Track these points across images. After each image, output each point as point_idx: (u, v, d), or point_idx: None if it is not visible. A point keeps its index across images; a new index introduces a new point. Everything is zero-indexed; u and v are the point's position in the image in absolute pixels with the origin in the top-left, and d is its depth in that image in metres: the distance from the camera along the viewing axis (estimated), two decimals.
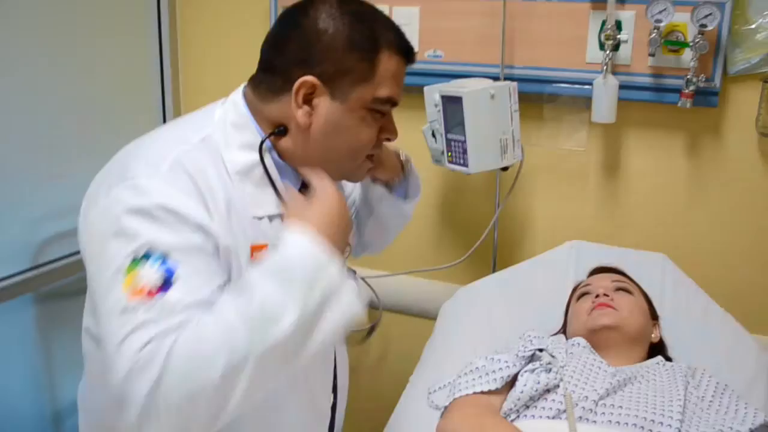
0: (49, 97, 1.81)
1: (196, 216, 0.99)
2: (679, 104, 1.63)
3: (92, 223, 1.04)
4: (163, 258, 0.95)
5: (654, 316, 1.54)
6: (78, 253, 1.86)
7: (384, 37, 1.09)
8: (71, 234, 1.90)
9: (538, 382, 1.28)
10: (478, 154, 1.61)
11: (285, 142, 1.11)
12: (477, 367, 1.35)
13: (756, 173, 1.69)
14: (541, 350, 1.35)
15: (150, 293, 0.93)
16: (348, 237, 1.09)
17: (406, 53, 1.12)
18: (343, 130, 1.09)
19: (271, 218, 1.11)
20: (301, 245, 0.97)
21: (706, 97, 1.65)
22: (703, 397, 1.30)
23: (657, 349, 1.49)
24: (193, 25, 2.19)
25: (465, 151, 1.62)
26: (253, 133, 1.10)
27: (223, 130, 1.10)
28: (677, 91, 1.64)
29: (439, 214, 2.01)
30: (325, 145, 1.09)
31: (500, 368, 1.33)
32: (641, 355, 1.45)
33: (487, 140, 1.62)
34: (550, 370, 1.30)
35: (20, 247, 1.80)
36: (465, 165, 1.63)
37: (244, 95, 1.14)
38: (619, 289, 1.50)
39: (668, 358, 1.48)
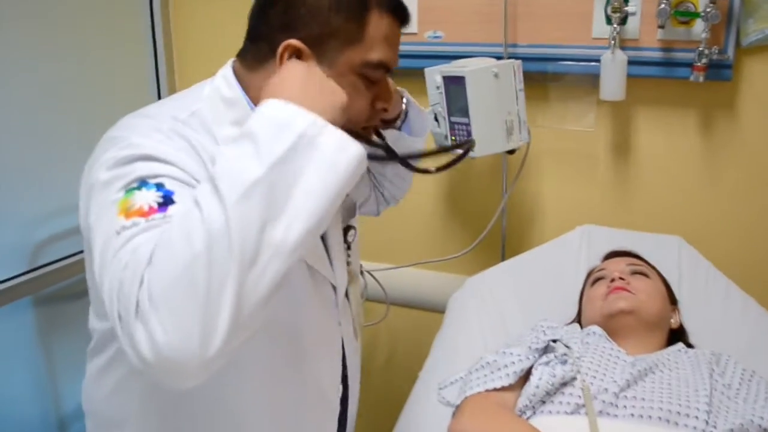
0: (43, 98, 1.75)
1: (194, 171, 0.92)
2: (691, 78, 1.54)
3: (87, 190, 0.95)
4: (159, 185, 0.87)
5: (673, 300, 1.44)
6: (75, 254, 1.84)
7: None
8: (67, 235, 1.87)
9: (554, 376, 1.18)
10: (483, 137, 1.53)
11: None
12: (488, 362, 1.26)
13: None
14: (554, 341, 1.26)
15: (149, 211, 0.84)
16: (332, 102, 0.90)
17: (399, 12, 1.02)
18: None
19: None
20: (259, 112, 0.83)
21: (719, 71, 1.56)
22: (729, 384, 1.20)
23: (677, 335, 1.40)
24: (186, 19, 2.11)
25: (469, 134, 1.53)
26: (245, 109, 1.01)
27: (214, 105, 1.02)
28: (688, 65, 1.55)
29: (444, 203, 1.93)
30: None
31: (513, 362, 1.24)
32: (660, 342, 1.35)
33: (491, 122, 1.53)
34: (565, 361, 1.21)
35: (16, 249, 1.73)
36: None
37: (234, 69, 1.05)
38: (635, 272, 1.40)
39: (689, 345, 1.38)
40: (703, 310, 1.50)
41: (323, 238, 1.12)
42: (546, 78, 1.72)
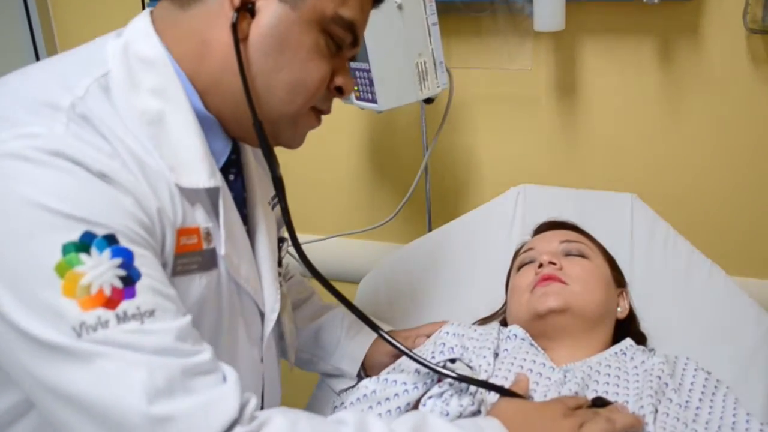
0: None
1: (125, 179, 0.68)
2: None
3: None
4: (110, 238, 0.64)
5: (620, 283, 1.11)
6: None
7: None
8: None
9: (447, 413, 0.85)
10: (389, 86, 1.19)
11: (208, 69, 0.78)
12: (365, 395, 0.93)
13: (746, 80, 1.27)
14: (453, 361, 0.92)
15: (113, 296, 0.62)
16: None
17: None
18: (289, 47, 0.77)
19: (207, 192, 0.78)
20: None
21: None
22: (687, 403, 0.88)
23: (625, 326, 1.08)
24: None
25: (371, 83, 1.19)
26: (169, 74, 0.76)
27: (126, 67, 0.75)
28: None
29: (367, 165, 1.60)
30: (262, 69, 0.77)
31: (396, 394, 0.90)
32: (605, 340, 1.03)
33: (398, 66, 1.20)
34: (467, 390, 0.88)
35: None
36: (374, 101, 1.21)
37: (152, 21, 0.79)
38: (569, 253, 1.07)
39: (641, 336, 1.07)
40: (660, 283, 1.18)
41: (254, 251, 0.90)
42: (470, 8, 1.37)
